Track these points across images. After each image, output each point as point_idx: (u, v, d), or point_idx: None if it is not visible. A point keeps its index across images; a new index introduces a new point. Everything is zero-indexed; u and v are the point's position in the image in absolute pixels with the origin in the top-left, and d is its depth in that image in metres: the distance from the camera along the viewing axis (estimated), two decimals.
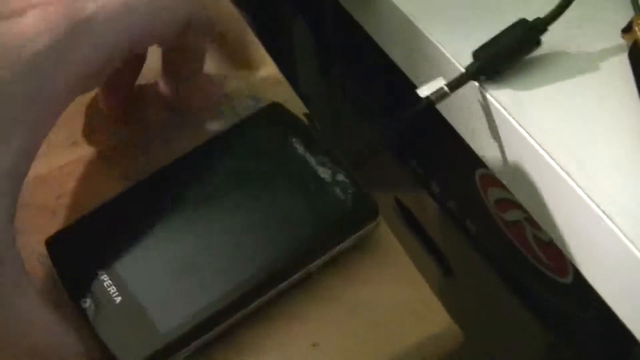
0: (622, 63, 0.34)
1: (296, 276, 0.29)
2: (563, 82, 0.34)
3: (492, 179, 0.52)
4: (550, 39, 0.34)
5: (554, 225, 0.33)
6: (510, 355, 0.62)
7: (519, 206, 0.50)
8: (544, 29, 0.34)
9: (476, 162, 0.52)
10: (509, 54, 0.34)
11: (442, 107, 0.38)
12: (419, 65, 0.39)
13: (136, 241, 0.29)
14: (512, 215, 0.52)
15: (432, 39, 0.36)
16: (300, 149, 0.31)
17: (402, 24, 0.38)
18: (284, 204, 0.30)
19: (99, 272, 0.28)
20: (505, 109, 0.33)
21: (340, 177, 0.30)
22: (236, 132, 0.32)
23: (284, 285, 0.28)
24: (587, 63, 0.34)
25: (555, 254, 0.49)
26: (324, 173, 0.30)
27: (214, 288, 0.28)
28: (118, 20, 0.28)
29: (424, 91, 0.33)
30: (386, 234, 0.31)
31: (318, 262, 0.29)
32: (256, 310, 0.28)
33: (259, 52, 0.37)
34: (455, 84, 0.33)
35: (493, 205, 0.54)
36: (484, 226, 0.57)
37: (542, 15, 0.34)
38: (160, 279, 0.28)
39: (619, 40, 0.34)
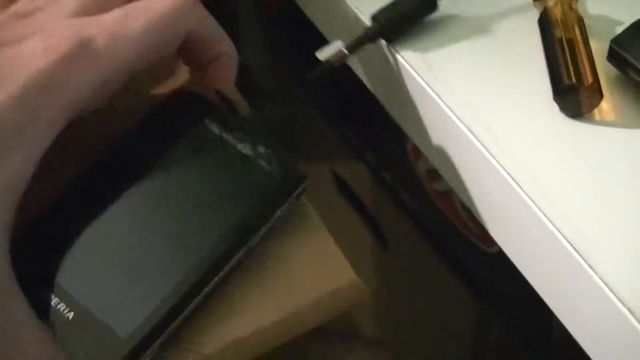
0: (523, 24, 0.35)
1: (239, 255, 0.29)
2: (465, 45, 0.34)
3: None
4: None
5: (468, 193, 0.34)
6: (441, 323, 0.63)
7: None
8: None
9: None
10: (407, 16, 0.34)
11: (360, 72, 0.39)
12: (336, 27, 0.40)
13: (74, 250, 0.28)
14: (441, 185, 0.53)
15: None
16: (216, 129, 0.31)
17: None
18: (214, 188, 0.30)
19: (44, 292, 0.27)
20: (414, 69, 0.33)
21: (261, 148, 0.30)
22: (150, 125, 0.32)
23: (229, 266, 0.29)
24: (484, 26, 0.35)
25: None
26: (245, 148, 0.30)
27: (163, 283, 0.27)
28: (118, 43, 0.28)
29: (323, 54, 0.34)
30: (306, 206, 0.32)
31: (257, 237, 0.29)
32: (207, 296, 0.28)
33: None
34: (354, 46, 0.34)
35: (424, 175, 0.54)
36: (417, 197, 0.58)
37: None
38: (108, 285, 0.28)
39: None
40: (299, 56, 0.66)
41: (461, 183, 0.34)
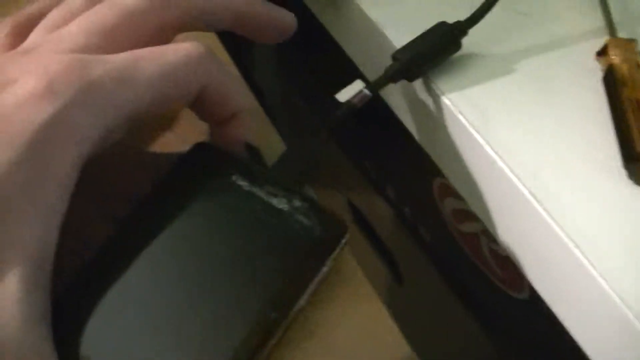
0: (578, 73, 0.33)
1: (287, 320, 0.26)
2: (508, 88, 0.33)
3: (450, 189, 0.50)
4: (470, 41, 0.34)
5: (515, 248, 0.32)
6: None
7: (476, 218, 0.49)
8: (464, 32, 0.33)
9: (435, 170, 0.51)
10: (431, 55, 0.33)
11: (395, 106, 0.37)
12: (370, 58, 0.38)
13: (101, 321, 0.25)
14: (469, 227, 0.51)
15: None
16: (245, 184, 0.28)
17: (368, 29, 0.36)
18: (253, 250, 0.27)
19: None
20: (462, 114, 0.31)
21: (297, 202, 0.28)
22: (172, 183, 0.29)
23: (279, 333, 0.26)
24: (506, 65, 0.34)
25: (511, 269, 0.48)
26: (279, 203, 0.28)
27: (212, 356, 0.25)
28: (126, 88, 0.25)
29: (343, 95, 0.32)
30: (345, 253, 0.30)
31: (305, 298, 0.27)
32: None
33: None
34: (376, 86, 0.32)
35: (450, 214, 0.53)
36: (439, 235, 0.56)
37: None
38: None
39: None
40: (313, 82, 0.64)
41: (511, 238, 0.32)
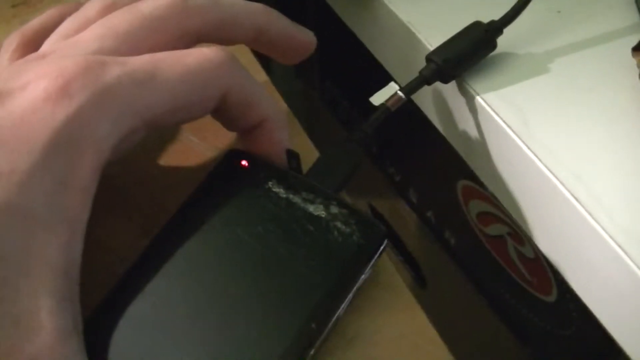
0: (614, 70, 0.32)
1: (329, 326, 0.26)
2: (548, 90, 0.32)
3: (475, 192, 0.50)
4: (504, 41, 0.33)
5: (557, 254, 0.31)
6: None
7: (502, 221, 0.49)
8: (499, 31, 0.32)
9: (459, 172, 0.50)
10: (466, 56, 0.32)
11: (426, 108, 0.37)
12: (402, 63, 0.37)
13: (141, 332, 0.25)
14: (494, 229, 0.50)
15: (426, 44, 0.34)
16: (281, 192, 0.28)
17: (399, 31, 0.36)
18: (292, 258, 0.26)
19: None
20: (502, 118, 0.31)
21: (335, 208, 0.27)
22: (208, 192, 0.29)
23: (318, 343, 0.26)
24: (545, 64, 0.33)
25: (538, 272, 0.48)
26: (317, 210, 0.27)
27: None
28: (143, 92, 0.25)
29: (377, 99, 0.31)
30: (383, 260, 0.29)
31: (345, 306, 0.26)
32: None
33: None
34: (410, 89, 0.31)
35: (475, 218, 0.52)
36: (464, 238, 0.55)
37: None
38: None
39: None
40: (331, 85, 0.64)
41: (554, 246, 0.31)
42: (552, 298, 0.48)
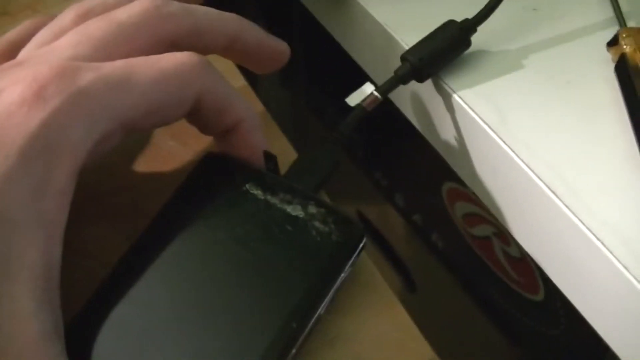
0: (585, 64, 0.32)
1: (310, 325, 0.26)
2: (522, 86, 0.32)
3: (460, 193, 0.50)
4: (479, 39, 0.33)
5: (540, 251, 0.31)
6: None
7: (488, 221, 0.49)
8: (472, 29, 0.33)
9: (444, 175, 0.50)
10: (441, 55, 0.32)
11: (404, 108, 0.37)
12: (378, 62, 0.37)
13: (123, 336, 0.25)
14: (480, 230, 0.51)
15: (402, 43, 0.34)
16: (259, 193, 0.28)
17: (376, 32, 0.36)
18: (271, 258, 0.27)
19: None
20: (478, 115, 0.31)
21: (313, 208, 0.28)
22: (185, 195, 0.29)
23: (299, 342, 0.26)
24: (529, 63, 0.33)
25: (525, 271, 0.48)
26: (295, 210, 0.27)
27: None
28: (118, 95, 0.25)
29: (353, 99, 0.32)
30: (362, 258, 0.29)
31: (324, 305, 0.26)
32: None
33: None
34: (386, 89, 0.31)
35: (461, 219, 0.52)
36: (451, 240, 0.55)
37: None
38: None
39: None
40: (316, 91, 0.64)
41: (535, 242, 0.31)
42: (539, 297, 0.48)
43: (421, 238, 0.58)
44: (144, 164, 0.34)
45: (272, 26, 0.33)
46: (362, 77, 0.39)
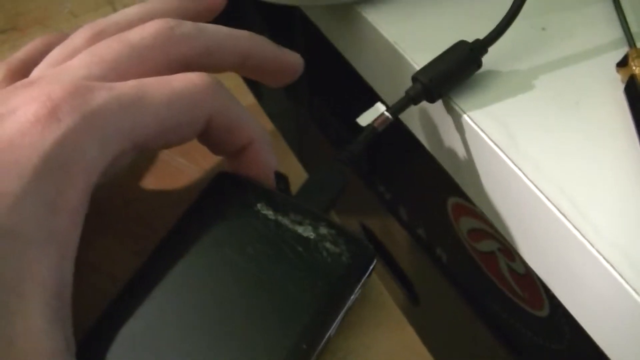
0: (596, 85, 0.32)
1: (320, 347, 0.26)
2: (532, 106, 0.32)
3: (465, 208, 0.50)
4: (489, 59, 0.33)
5: (546, 269, 0.31)
6: None
7: (493, 237, 0.49)
8: (484, 50, 0.33)
9: (449, 190, 0.50)
10: (452, 75, 0.32)
11: (414, 128, 0.37)
12: (388, 82, 0.37)
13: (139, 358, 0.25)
14: (485, 245, 0.51)
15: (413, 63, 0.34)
16: (269, 213, 0.28)
17: (386, 51, 0.36)
18: (282, 280, 0.27)
19: None
20: (487, 135, 0.31)
21: (323, 229, 0.28)
22: (196, 216, 0.29)
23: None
24: (541, 83, 0.33)
25: (530, 287, 0.48)
26: (306, 231, 0.28)
27: None
28: (131, 116, 0.25)
29: (364, 119, 0.31)
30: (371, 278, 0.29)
31: (335, 326, 0.26)
32: None
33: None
34: (397, 109, 0.32)
35: (465, 235, 0.52)
36: (455, 255, 0.55)
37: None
38: None
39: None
40: (321, 103, 0.64)
41: (542, 259, 0.31)
42: (544, 313, 0.48)
43: (425, 252, 0.58)
44: (152, 180, 0.34)
45: (277, 41, 0.33)
46: (367, 92, 0.40)
